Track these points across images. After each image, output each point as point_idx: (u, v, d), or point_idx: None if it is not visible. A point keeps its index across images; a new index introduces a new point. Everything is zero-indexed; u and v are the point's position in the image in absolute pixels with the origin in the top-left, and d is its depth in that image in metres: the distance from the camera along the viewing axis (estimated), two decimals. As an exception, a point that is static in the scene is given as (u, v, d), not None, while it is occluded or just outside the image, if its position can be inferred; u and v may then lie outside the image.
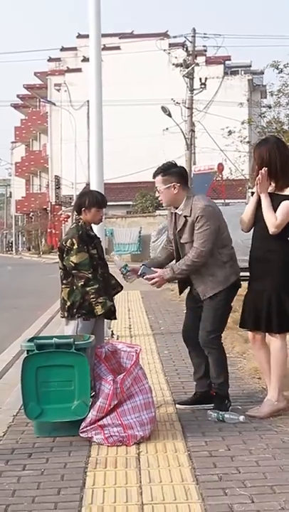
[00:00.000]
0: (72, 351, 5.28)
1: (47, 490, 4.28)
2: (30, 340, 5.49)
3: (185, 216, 5.81)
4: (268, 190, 5.67)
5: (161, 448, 4.99)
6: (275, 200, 5.62)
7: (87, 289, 5.94)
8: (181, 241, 5.86)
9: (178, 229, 5.88)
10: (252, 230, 5.86)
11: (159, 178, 5.89)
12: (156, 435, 5.26)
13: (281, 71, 16.07)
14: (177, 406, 6.06)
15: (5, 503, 4.10)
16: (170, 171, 5.89)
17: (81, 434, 5.20)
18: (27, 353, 5.39)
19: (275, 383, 5.72)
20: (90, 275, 5.95)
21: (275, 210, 5.60)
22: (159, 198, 5.97)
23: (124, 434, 5.09)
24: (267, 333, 5.77)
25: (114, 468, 4.62)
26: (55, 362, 5.29)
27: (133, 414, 5.20)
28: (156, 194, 5.83)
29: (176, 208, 5.89)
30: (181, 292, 6.20)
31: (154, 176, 5.95)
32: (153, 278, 5.90)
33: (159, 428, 5.43)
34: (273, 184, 5.67)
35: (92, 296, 5.94)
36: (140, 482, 4.34)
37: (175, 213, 5.94)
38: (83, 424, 5.22)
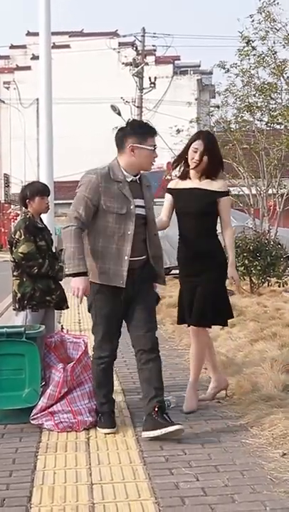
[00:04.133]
0: (23, 340, 5.39)
1: (-2, 473, 4.41)
2: (-18, 330, 5.57)
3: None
4: (193, 186, 5.77)
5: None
6: (210, 197, 5.69)
7: (43, 270, 6.05)
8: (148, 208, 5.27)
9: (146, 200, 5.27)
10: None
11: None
12: (105, 421, 5.40)
13: (228, 71, 16.34)
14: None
15: None
16: None
17: (32, 421, 5.31)
18: (-22, 343, 5.47)
19: (212, 366, 6.04)
20: (40, 260, 6.06)
21: (206, 205, 5.68)
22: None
23: (73, 420, 5.23)
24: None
25: (65, 452, 4.76)
26: (6, 351, 5.39)
27: (82, 400, 5.34)
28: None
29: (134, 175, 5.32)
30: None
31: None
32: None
33: (108, 415, 5.57)
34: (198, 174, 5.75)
35: (49, 270, 6.08)
36: (90, 464, 4.50)
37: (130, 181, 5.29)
38: (34, 411, 5.33)
